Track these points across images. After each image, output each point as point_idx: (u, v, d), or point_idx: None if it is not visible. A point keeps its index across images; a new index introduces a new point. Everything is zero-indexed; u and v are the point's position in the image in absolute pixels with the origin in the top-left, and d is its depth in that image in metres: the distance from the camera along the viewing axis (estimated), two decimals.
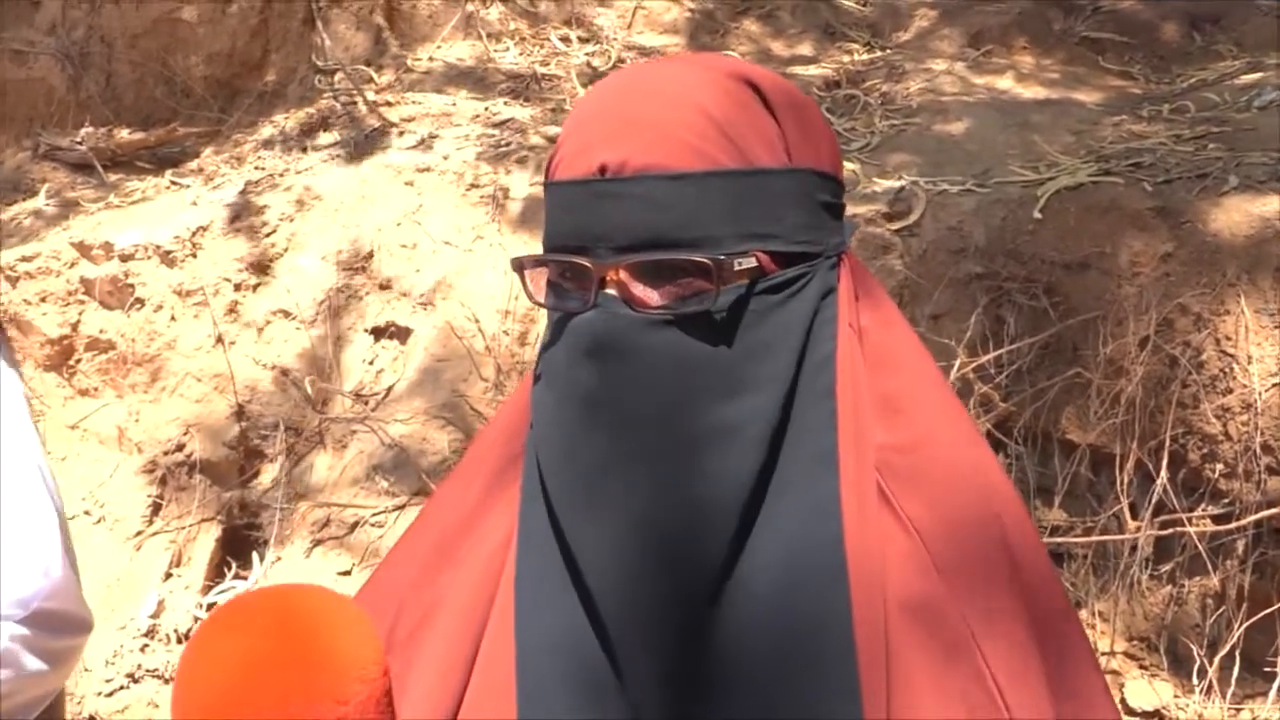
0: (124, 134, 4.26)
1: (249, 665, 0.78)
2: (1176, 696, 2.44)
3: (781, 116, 0.78)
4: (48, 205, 3.84)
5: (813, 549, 0.73)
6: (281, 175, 3.79)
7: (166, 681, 2.84)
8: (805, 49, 4.64)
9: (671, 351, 0.73)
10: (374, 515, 2.97)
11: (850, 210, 1.45)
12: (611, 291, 0.74)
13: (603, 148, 0.74)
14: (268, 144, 4.07)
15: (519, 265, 0.81)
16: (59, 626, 1.15)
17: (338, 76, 4.29)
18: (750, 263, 0.74)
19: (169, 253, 3.42)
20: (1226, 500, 2.41)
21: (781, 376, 0.75)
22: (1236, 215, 2.61)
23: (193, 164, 4.16)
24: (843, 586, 0.71)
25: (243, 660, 0.78)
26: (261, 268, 3.48)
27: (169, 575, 3.03)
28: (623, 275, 0.74)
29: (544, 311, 0.81)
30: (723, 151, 0.74)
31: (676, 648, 0.73)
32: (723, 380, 0.74)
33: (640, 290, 0.74)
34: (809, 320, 0.76)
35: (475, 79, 4.33)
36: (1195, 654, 2.37)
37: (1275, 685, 2.31)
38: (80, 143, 4.15)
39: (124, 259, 3.38)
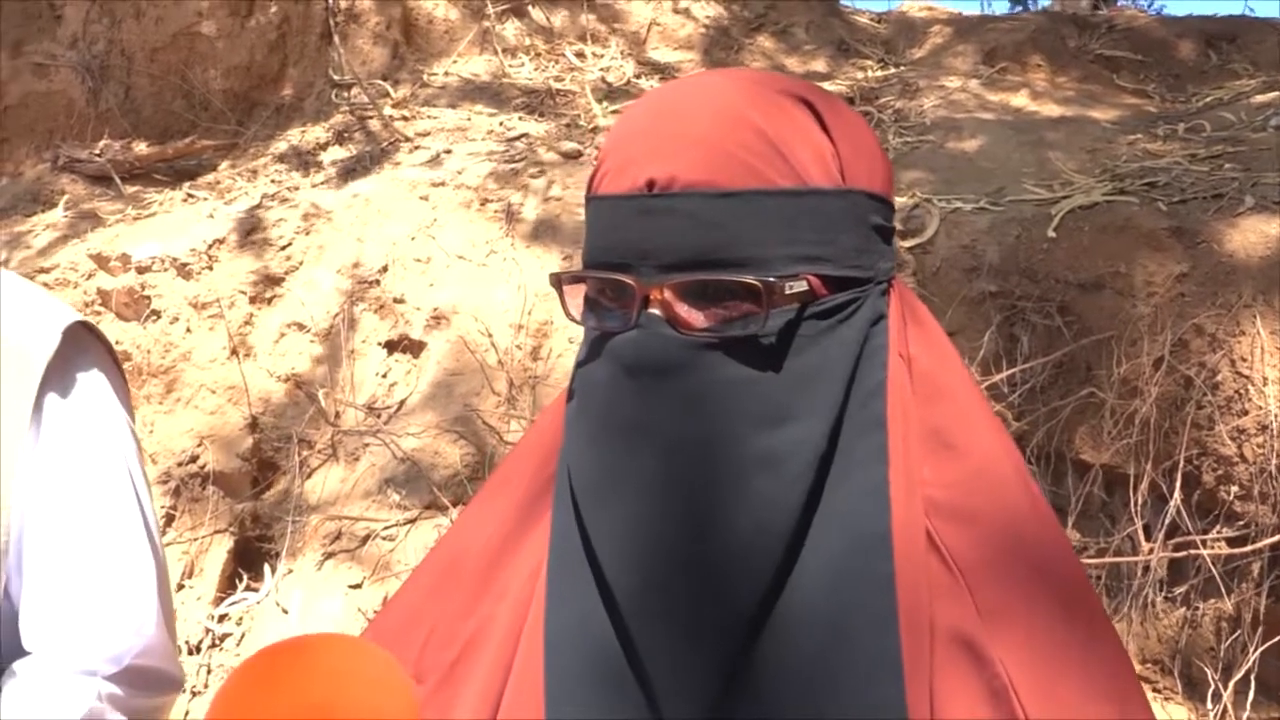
0: (142, 147, 4.29)
1: None
2: None
3: (835, 135, 0.75)
4: (66, 216, 3.87)
5: (861, 586, 0.69)
6: (297, 189, 3.82)
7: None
8: (819, 65, 4.65)
9: (716, 376, 0.70)
10: (386, 528, 2.97)
11: None
12: (655, 311, 0.71)
13: (650, 162, 0.71)
14: (284, 157, 4.10)
15: (557, 281, 0.77)
16: (148, 684, 1.14)
17: (354, 90, 4.32)
18: (801, 286, 0.71)
19: (185, 265, 3.44)
20: (1241, 523, 2.39)
21: (829, 405, 0.71)
22: (1252, 236, 2.60)
23: (209, 177, 4.19)
24: (893, 628, 0.68)
25: None
26: (276, 280, 3.49)
27: (181, 586, 3.04)
28: (667, 295, 0.71)
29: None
30: (775, 169, 0.71)
31: (711, 682, 0.70)
32: (769, 407, 0.70)
33: (685, 311, 0.71)
34: (858, 348, 0.73)
35: (490, 94, 4.35)
36: (1209, 678, 2.35)
37: None
38: (99, 155, 4.18)
39: (141, 271, 3.41)
